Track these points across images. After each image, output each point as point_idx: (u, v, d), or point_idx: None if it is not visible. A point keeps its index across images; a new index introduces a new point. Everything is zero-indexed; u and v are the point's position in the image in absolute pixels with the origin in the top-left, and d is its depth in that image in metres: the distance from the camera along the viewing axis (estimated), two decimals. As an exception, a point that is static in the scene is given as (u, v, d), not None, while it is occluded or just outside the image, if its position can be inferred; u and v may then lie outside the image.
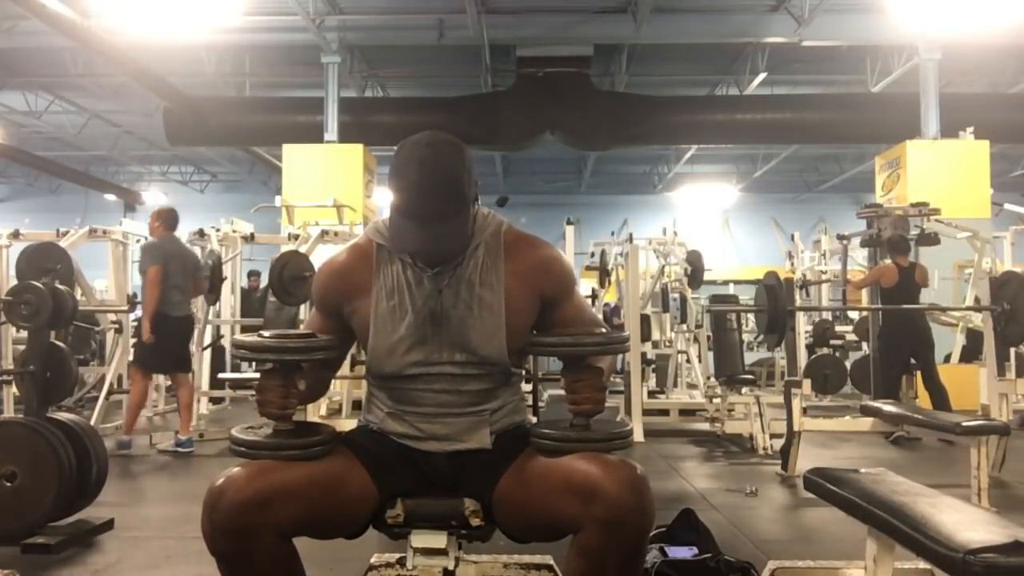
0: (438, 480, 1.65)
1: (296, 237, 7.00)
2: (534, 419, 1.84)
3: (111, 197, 15.54)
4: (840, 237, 7.69)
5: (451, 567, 1.61)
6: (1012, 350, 5.76)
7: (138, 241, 7.30)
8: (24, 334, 3.47)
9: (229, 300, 7.92)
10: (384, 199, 11.31)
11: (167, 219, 5.74)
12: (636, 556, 1.44)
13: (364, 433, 1.71)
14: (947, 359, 7.61)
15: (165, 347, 5.36)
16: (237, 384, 7.18)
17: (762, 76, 9.57)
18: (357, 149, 8.95)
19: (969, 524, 1.56)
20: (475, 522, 1.58)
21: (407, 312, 1.60)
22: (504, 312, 1.60)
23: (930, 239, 6.71)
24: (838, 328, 9.11)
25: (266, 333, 1.58)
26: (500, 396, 1.68)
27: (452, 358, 1.61)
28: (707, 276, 7.98)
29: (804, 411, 4.49)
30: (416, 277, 1.62)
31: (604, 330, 1.68)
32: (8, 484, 2.97)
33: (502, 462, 1.59)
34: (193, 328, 5.98)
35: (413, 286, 1.62)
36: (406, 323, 1.60)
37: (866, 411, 4.25)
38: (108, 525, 3.25)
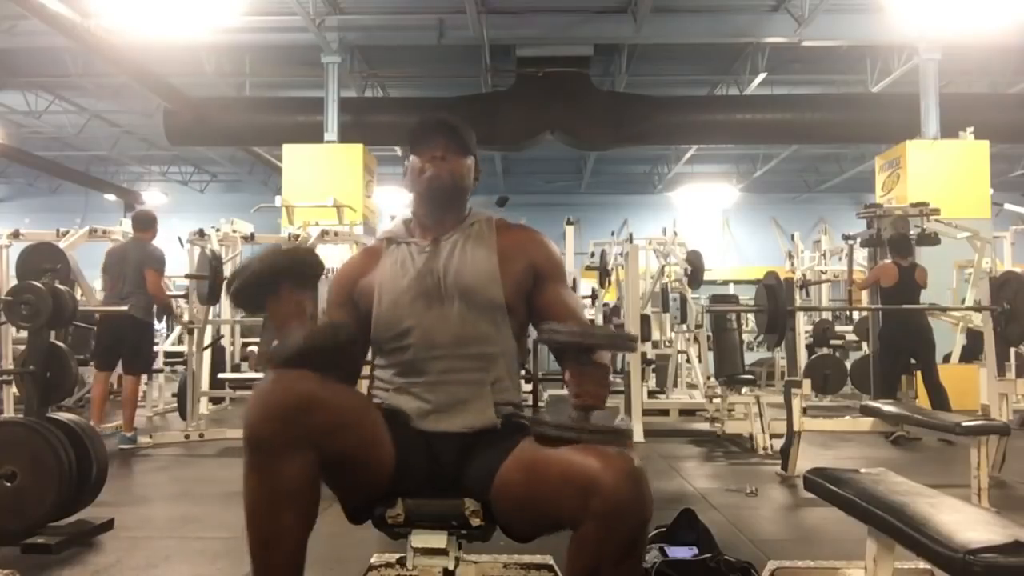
0: (442, 473, 1.65)
1: (296, 237, 7.00)
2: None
3: (111, 197, 15.54)
4: (846, 237, 7.69)
5: (451, 567, 1.61)
6: (1012, 350, 5.76)
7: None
8: (24, 334, 3.46)
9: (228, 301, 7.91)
10: (384, 199, 11.32)
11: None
12: (635, 548, 1.43)
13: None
14: (947, 359, 7.61)
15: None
16: (237, 384, 7.18)
17: (762, 76, 9.58)
18: (357, 149, 8.96)
19: (969, 524, 1.56)
20: (475, 522, 1.58)
21: (409, 271, 1.75)
22: (498, 265, 1.73)
23: (930, 239, 6.71)
24: (838, 328, 9.12)
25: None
26: (498, 365, 1.72)
27: (452, 305, 1.69)
28: (707, 276, 7.99)
29: (804, 411, 4.49)
30: (418, 250, 1.77)
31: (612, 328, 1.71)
32: (8, 484, 2.96)
33: (498, 455, 1.59)
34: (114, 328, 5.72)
35: (415, 256, 1.76)
36: (408, 278, 1.73)
37: (866, 411, 4.25)
38: (108, 525, 3.25)
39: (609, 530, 1.37)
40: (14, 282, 5.15)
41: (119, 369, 6.34)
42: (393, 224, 1.88)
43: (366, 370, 1.91)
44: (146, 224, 5.78)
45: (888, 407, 4.06)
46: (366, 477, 1.59)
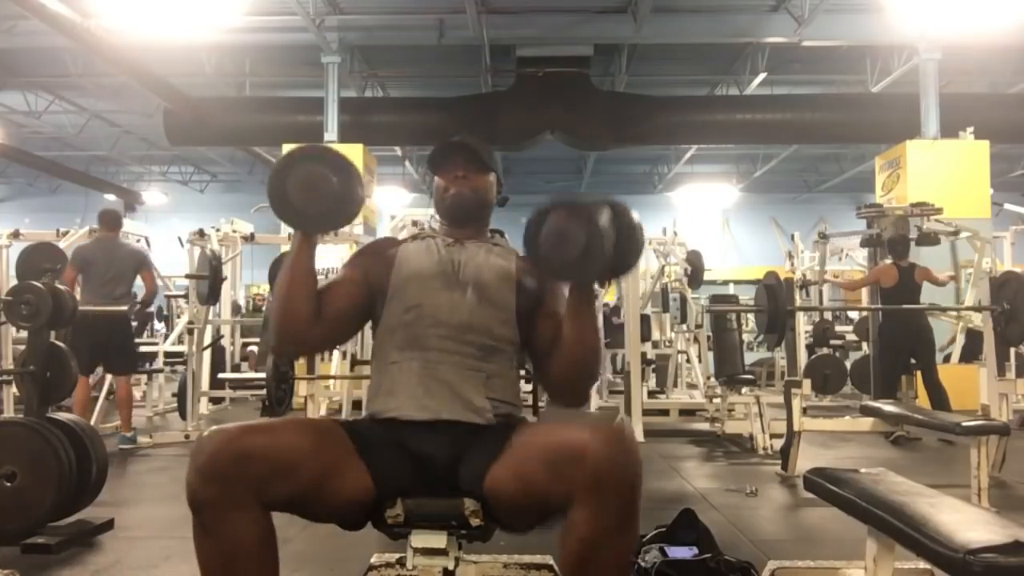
0: (436, 473, 1.65)
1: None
2: (534, 418, 1.85)
3: (111, 197, 15.54)
4: (821, 235, 7.76)
5: (451, 567, 1.61)
6: (1012, 350, 5.76)
7: (137, 241, 7.32)
8: (24, 334, 3.46)
9: (229, 300, 7.93)
10: (384, 199, 11.32)
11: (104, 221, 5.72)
12: (630, 518, 1.42)
13: (368, 424, 1.72)
14: (947, 359, 7.61)
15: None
16: (237, 384, 7.19)
17: (762, 76, 9.58)
18: (357, 149, 8.95)
19: (969, 524, 1.56)
20: (475, 522, 1.57)
21: (432, 255, 1.82)
22: (515, 276, 1.79)
23: (930, 239, 6.71)
24: (838, 328, 9.12)
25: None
26: (497, 361, 1.74)
27: (465, 294, 1.74)
28: (707, 276, 7.99)
29: (804, 411, 4.49)
30: (443, 243, 1.85)
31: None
32: (8, 484, 2.97)
33: (490, 451, 1.59)
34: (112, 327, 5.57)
35: (439, 247, 1.84)
36: (430, 261, 1.80)
37: (866, 411, 4.25)
38: (108, 525, 3.25)
39: (600, 495, 1.37)
40: (14, 282, 5.15)
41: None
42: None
43: (366, 369, 1.91)
44: (119, 222, 5.74)
45: (888, 407, 4.06)
46: (336, 505, 1.57)
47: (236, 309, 8.80)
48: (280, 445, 1.49)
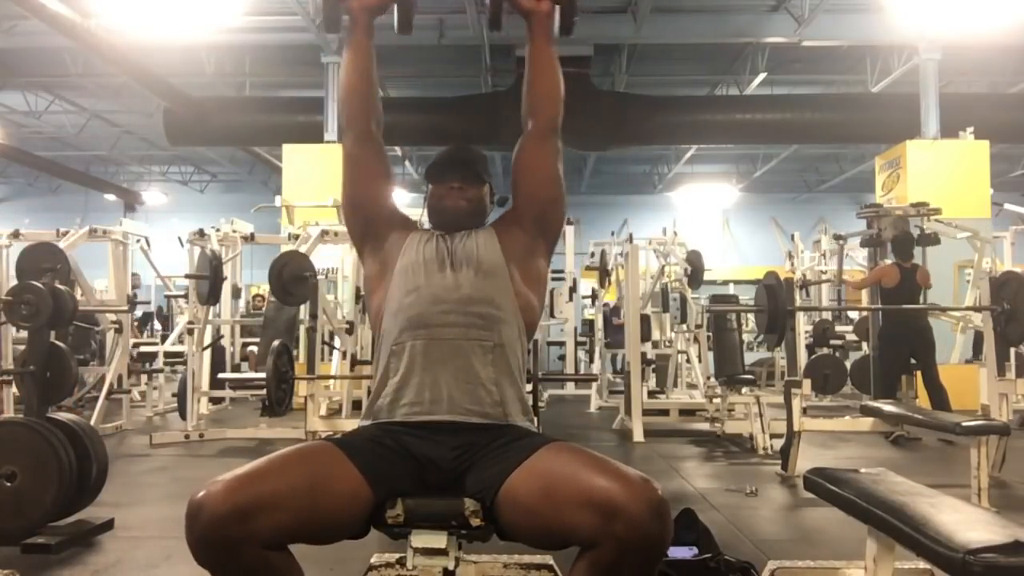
0: (440, 477, 1.65)
1: (296, 237, 7.01)
2: (535, 419, 1.85)
3: (111, 197, 15.55)
4: (837, 237, 7.73)
5: (451, 567, 1.61)
6: (1012, 350, 5.76)
7: (137, 241, 7.31)
8: (24, 334, 3.46)
9: (229, 300, 7.92)
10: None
11: None
12: (650, 569, 1.44)
13: (363, 432, 1.72)
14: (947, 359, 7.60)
15: None
16: (237, 384, 7.19)
17: (762, 76, 9.59)
18: (357, 149, 8.93)
19: (969, 524, 1.56)
20: (475, 522, 1.57)
21: (428, 246, 1.88)
22: (498, 240, 1.87)
23: (930, 239, 6.71)
24: (838, 328, 9.11)
25: None
26: (503, 332, 1.76)
27: (460, 271, 1.80)
28: (707, 276, 7.98)
29: (804, 411, 4.49)
30: (437, 235, 1.91)
31: None
32: (8, 484, 2.97)
33: (509, 461, 1.58)
34: None
35: (436, 240, 1.89)
36: (426, 249, 1.86)
37: (866, 411, 4.25)
38: (108, 525, 3.25)
39: (628, 556, 1.38)
40: (14, 282, 5.14)
41: (115, 367, 6.34)
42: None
43: (368, 368, 1.92)
44: None
45: (888, 407, 4.07)
46: (337, 526, 1.58)
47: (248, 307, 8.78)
48: (275, 491, 1.47)
